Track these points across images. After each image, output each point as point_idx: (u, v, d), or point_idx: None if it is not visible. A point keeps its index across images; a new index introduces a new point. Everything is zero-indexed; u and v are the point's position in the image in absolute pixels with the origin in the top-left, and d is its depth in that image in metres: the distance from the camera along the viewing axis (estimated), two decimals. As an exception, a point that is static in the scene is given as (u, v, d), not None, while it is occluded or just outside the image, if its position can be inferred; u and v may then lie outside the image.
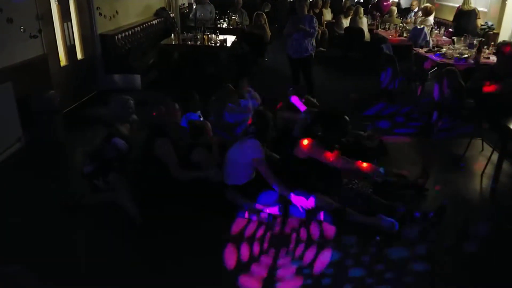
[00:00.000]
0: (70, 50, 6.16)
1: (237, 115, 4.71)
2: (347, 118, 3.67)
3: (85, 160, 3.72)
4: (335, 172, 3.62)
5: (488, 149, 4.69)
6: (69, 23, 6.09)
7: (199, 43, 7.50)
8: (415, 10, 10.33)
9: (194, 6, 10.55)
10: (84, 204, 3.60)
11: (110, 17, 7.18)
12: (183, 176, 3.63)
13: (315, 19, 6.30)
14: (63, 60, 6.01)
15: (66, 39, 6.04)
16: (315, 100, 5.23)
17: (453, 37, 7.28)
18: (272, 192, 3.55)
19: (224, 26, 9.33)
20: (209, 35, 7.56)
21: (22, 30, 4.86)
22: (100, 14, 6.81)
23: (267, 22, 9.02)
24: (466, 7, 7.86)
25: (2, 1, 4.50)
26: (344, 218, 3.37)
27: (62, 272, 2.88)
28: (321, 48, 9.95)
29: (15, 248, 3.14)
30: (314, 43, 6.47)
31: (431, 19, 8.71)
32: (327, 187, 3.56)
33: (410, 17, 10.07)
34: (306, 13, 6.35)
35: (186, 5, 11.78)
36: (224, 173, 3.70)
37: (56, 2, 5.76)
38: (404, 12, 11.03)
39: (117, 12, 7.41)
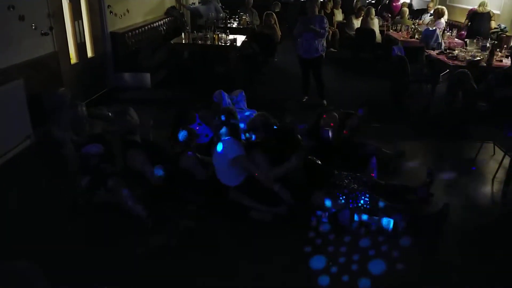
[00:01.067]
0: (80, 48, 6.18)
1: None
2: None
3: (76, 175, 3.67)
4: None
5: (499, 153, 4.62)
6: (80, 21, 6.12)
7: (209, 42, 7.50)
8: (432, 11, 10.23)
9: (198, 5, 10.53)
10: (93, 202, 3.59)
11: (121, 16, 7.21)
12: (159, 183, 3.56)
13: (325, 20, 6.25)
14: (73, 58, 6.04)
15: (77, 37, 6.07)
16: None
17: (466, 39, 7.20)
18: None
19: (234, 26, 9.32)
20: (219, 35, 7.55)
21: (33, 27, 4.89)
22: (111, 12, 6.84)
23: (277, 22, 8.99)
24: (481, 9, 7.78)
25: (14, -2, 4.54)
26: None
27: (69, 270, 2.89)
28: (331, 49, 9.89)
29: (23, 245, 3.14)
30: (325, 44, 6.43)
31: (442, 21, 8.60)
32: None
33: (423, 18, 9.96)
34: (317, 13, 6.31)
35: (196, 4, 11.78)
36: (219, 176, 3.66)
37: (68, 0, 5.79)
38: (416, 14, 10.92)
39: (127, 11, 7.44)
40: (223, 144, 3.55)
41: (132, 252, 3.10)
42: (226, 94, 4.98)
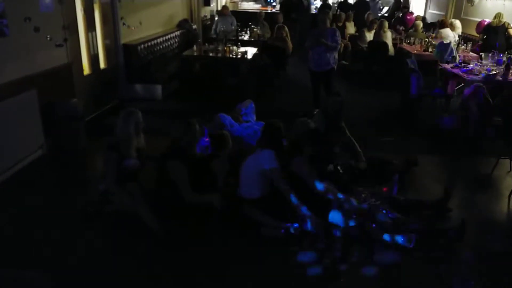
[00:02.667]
0: (93, 59, 6.24)
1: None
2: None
3: (98, 179, 3.67)
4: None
5: (517, 169, 4.51)
6: (93, 32, 6.19)
7: (220, 54, 7.52)
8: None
9: (216, 18, 10.64)
10: (105, 211, 3.57)
11: (134, 28, 7.28)
12: (194, 200, 3.50)
13: (338, 33, 6.22)
14: (86, 69, 6.09)
15: (90, 48, 6.13)
16: None
17: (481, 53, 7.10)
18: (289, 208, 3.46)
19: (245, 38, 9.36)
20: (231, 47, 7.57)
21: (48, 38, 4.95)
22: (124, 24, 6.91)
23: (288, 35, 9.00)
24: (495, 22, 7.60)
25: (30, 10, 4.60)
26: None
27: (78, 279, 2.87)
28: (343, 62, 9.86)
29: (34, 253, 3.14)
30: (336, 56, 6.39)
31: (448, 32, 8.50)
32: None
33: (437, 32, 9.90)
34: (329, 26, 6.28)
35: (209, 17, 11.89)
36: (240, 186, 3.66)
37: (82, 12, 5.86)
38: (429, 27, 10.84)
39: (140, 23, 7.51)
40: (262, 154, 3.54)
41: (140, 263, 3.06)
42: (226, 116, 4.94)
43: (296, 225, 3.40)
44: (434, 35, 8.76)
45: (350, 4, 12.33)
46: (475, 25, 9.38)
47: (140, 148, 3.69)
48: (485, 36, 7.95)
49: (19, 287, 2.78)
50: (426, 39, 8.77)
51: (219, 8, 12.41)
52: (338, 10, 11.82)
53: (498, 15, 7.58)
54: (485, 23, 8.63)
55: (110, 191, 3.52)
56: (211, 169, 3.84)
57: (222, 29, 9.23)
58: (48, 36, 4.94)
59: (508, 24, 7.53)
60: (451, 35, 8.35)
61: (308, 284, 2.96)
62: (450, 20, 8.80)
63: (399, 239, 3.23)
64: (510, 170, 4.69)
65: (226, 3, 13.03)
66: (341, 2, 12.73)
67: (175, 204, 3.50)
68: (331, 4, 13.60)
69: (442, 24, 8.63)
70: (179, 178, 3.50)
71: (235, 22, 9.70)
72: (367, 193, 3.56)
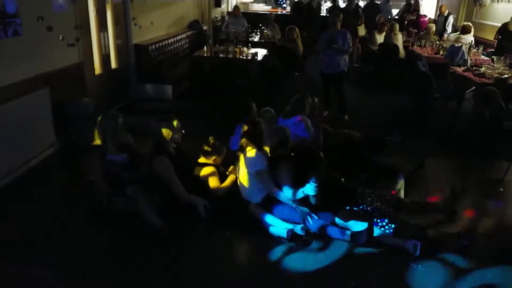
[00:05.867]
0: (105, 59, 6.29)
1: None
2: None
3: (97, 182, 3.65)
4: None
5: (529, 174, 4.45)
6: (105, 32, 6.24)
7: (230, 55, 7.53)
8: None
9: (226, 19, 10.66)
10: (113, 210, 3.59)
11: (145, 28, 7.32)
12: (183, 197, 3.49)
13: (349, 35, 6.19)
14: (97, 69, 6.14)
15: (102, 48, 6.18)
16: None
17: (493, 56, 7.03)
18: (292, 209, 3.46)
19: (256, 40, 9.37)
20: (241, 48, 7.58)
21: (61, 38, 5.00)
22: (135, 24, 6.95)
23: (299, 37, 8.99)
24: (511, 27, 7.45)
25: (43, 9, 4.65)
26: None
27: (87, 277, 2.90)
28: (355, 64, 9.83)
29: (45, 251, 3.17)
30: (347, 59, 6.37)
31: (468, 37, 8.43)
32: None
33: (447, 34, 9.83)
34: (339, 28, 6.26)
35: (219, 18, 11.92)
36: (241, 190, 3.65)
37: (95, 12, 5.91)
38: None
39: (152, 24, 7.56)
40: (248, 158, 3.54)
41: (145, 263, 3.07)
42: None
43: (301, 225, 3.38)
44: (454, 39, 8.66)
45: (360, 6, 12.27)
46: (486, 28, 9.30)
47: (129, 145, 3.74)
48: (500, 37, 7.83)
49: (29, 285, 2.82)
50: (437, 42, 8.71)
51: (230, 9, 12.45)
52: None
53: None
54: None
55: (100, 190, 3.55)
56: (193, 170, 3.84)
57: (233, 30, 9.24)
58: (60, 35, 4.99)
59: None
60: (469, 40, 8.26)
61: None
62: (465, 24, 8.69)
63: (405, 244, 3.20)
64: (523, 174, 4.64)
65: (237, 4, 13.06)
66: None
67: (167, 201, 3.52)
68: (341, 6, 13.55)
69: (464, 29, 8.49)
70: (165, 173, 3.49)
71: (246, 24, 9.72)
72: (373, 196, 3.52)
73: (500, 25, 8.30)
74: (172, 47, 8.09)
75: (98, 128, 3.65)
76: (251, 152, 3.57)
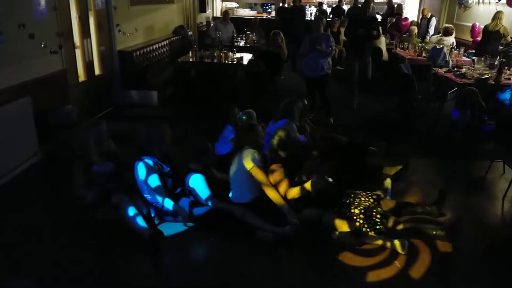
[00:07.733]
0: (88, 66, 6.26)
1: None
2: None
3: (82, 191, 3.62)
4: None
5: (509, 171, 4.53)
6: (88, 39, 6.21)
7: (216, 60, 7.55)
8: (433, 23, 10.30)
9: (212, 24, 10.66)
10: (97, 218, 3.56)
11: (129, 34, 7.31)
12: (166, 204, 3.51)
13: (331, 38, 6.28)
14: (81, 76, 6.11)
15: (85, 55, 6.15)
16: None
17: (473, 58, 7.16)
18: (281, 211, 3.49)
19: (241, 44, 9.40)
20: (226, 53, 7.60)
21: (43, 45, 4.97)
22: (119, 31, 6.94)
23: (284, 41, 9.04)
24: (491, 27, 7.55)
25: (25, 17, 4.62)
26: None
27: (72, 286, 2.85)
28: (338, 67, 9.91)
29: (29, 261, 3.13)
30: (331, 62, 6.44)
31: (450, 39, 8.58)
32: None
33: (429, 36, 9.99)
34: (322, 32, 6.33)
35: (204, 23, 11.94)
36: (232, 191, 3.69)
37: (77, 19, 5.89)
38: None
39: (136, 30, 7.55)
40: (242, 154, 3.58)
41: (132, 269, 3.05)
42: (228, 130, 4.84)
43: (288, 227, 3.39)
44: (436, 41, 8.79)
45: (344, 10, 12.41)
46: (467, 30, 9.47)
47: (113, 152, 3.73)
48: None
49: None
50: (419, 44, 8.84)
51: (215, 15, 12.49)
52: (332, 16, 11.91)
53: (497, 16, 7.39)
54: (477, 27, 8.69)
55: (85, 200, 3.53)
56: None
57: (218, 35, 9.26)
58: (42, 43, 4.96)
59: (505, 28, 7.47)
60: (451, 42, 8.40)
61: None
62: (447, 26, 8.83)
63: (393, 243, 3.24)
64: (504, 172, 4.72)
65: (222, 9, 13.10)
66: (334, 8, 12.82)
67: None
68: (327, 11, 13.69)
69: (446, 31, 8.62)
70: (148, 180, 3.49)
71: (233, 30, 9.74)
72: (360, 196, 3.55)
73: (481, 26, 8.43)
74: (157, 53, 8.08)
75: (81, 138, 3.63)
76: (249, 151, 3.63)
